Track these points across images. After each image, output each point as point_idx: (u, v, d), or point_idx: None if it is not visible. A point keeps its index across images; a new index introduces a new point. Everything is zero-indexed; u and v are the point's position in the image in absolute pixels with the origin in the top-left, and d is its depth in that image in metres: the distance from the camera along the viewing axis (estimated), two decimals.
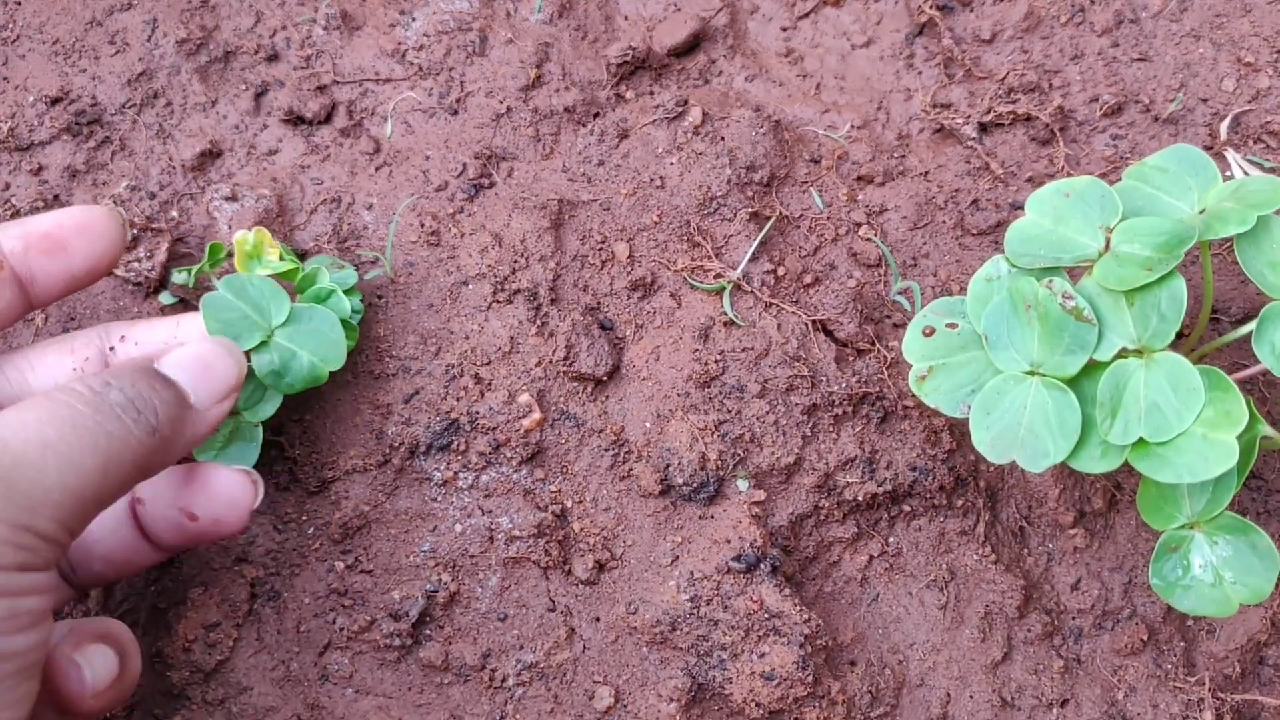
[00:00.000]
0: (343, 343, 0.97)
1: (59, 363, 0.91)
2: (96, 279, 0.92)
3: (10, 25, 1.18)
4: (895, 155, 1.19)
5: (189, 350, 0.84)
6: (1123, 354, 0.86)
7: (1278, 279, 0.86)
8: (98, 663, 0.81)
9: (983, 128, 1.18)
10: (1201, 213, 0.89)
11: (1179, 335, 1.01)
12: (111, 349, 0.92)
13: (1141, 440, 0.83)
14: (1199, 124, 1.17)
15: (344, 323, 0.99)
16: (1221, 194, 0.89)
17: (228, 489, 0.88)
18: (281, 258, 1.01)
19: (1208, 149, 1.15)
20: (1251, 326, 0.86)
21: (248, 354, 0.94)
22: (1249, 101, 1.16)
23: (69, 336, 0.93)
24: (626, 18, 1.25)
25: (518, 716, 0.98)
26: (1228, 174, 1.14)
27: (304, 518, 1.02)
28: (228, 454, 0.96)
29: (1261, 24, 1.19)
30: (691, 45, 1.23)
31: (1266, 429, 0.85)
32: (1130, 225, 0.88)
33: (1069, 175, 1.13)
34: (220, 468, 0.89)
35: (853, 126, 1.20)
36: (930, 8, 1.22)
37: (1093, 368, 0.86)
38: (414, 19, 1.21)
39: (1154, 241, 0.85)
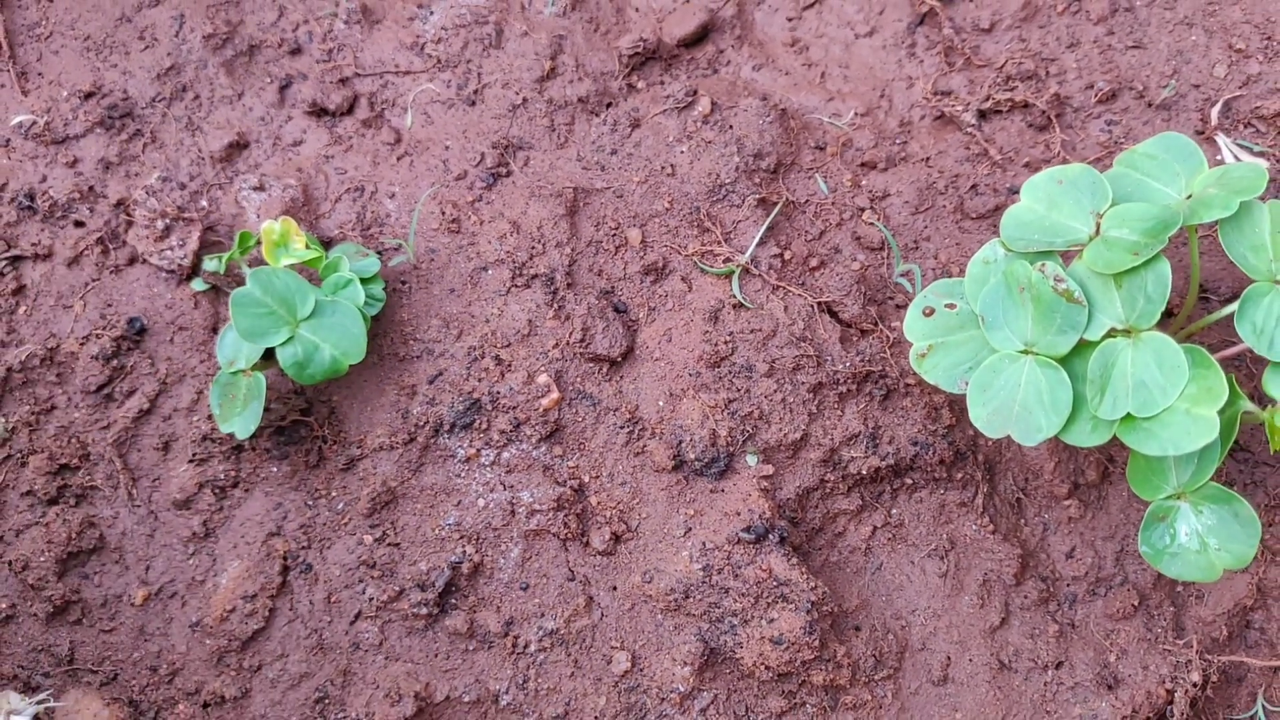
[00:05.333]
0: (363, 337, 1.00)
1: None
2: None
3: (43, 22, 1.22)
4: (897, 142, 1.21)
5: None
6: (1111, 334, 0.88)
7: (1259, 261, 0.88)
8: None
9: (982, 115, 1.20)
10: (1188, 198, 0.91)
11: (1170, 314, 1.03)
12: None
13: (1129, 415, 0.85)
14: (1191, 109, 1.19)
15: (359, 311, 1.03)
16: (1207, 180, 0.91)
17: None
18: (307, 246, 1.04)
19: (1199, 134, 1.17)
20: (1235, 307, 0.88)
21: (273, 350, 0.99)
22: (1240, 87, 1.18)
23: None
24: (637, 10, 1.28)
25: (540, 680, 1.02)
26: (1219, 158, 1.16)
27: (333, 494, 1.06)
28: (245, 415, 1.00)
29: (1252, 11, 1.21)
30: (700, 36, 1.26)
31: (1248, 404, 0.88)
32: (1119, 211, 0.90)
33: (1065, 161, 1.16)
34: None
35: (856, 114, 1.23)
36: None
37: (1083, 347, 0.89)
38: (432, 12, 1.24)
39: (1141, 226, 0.87)
